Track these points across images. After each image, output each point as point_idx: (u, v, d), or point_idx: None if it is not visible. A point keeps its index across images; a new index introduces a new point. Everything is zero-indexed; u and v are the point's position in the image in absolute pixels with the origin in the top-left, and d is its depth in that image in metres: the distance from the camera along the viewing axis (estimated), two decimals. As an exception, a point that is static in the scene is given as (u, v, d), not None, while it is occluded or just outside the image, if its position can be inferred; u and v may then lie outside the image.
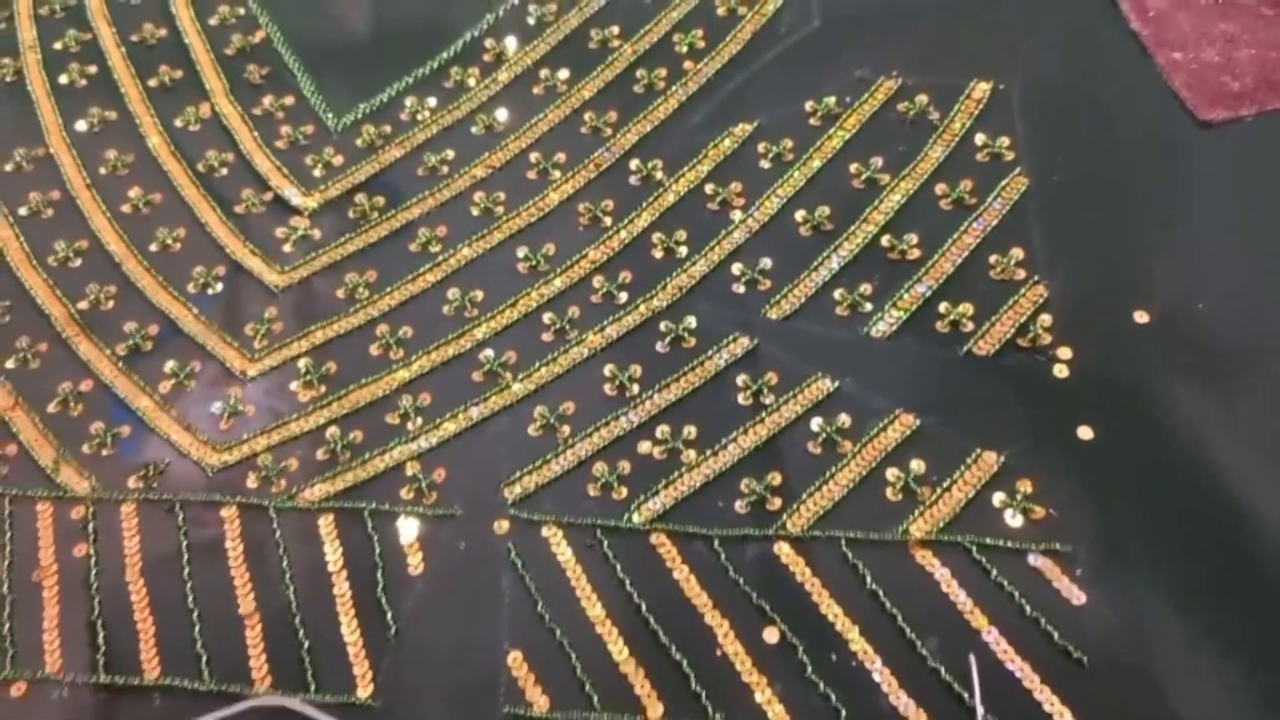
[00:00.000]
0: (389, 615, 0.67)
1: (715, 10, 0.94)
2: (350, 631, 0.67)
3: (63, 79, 0.97)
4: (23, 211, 0.88)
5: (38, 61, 0.98)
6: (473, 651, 0.66)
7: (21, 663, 0.68)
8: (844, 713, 0.62)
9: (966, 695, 0.61)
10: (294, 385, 0.77)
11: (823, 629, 0.64)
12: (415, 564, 0.69)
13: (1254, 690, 0.60)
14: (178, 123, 0.92)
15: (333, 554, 0.70)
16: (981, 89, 0.85)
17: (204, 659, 0.67)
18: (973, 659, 0.62)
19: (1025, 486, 0.67)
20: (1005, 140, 0.82)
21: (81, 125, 0.93)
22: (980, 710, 0.60)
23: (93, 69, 0.97)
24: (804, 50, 0.91)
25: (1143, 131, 0.82)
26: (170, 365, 0.79)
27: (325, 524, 0.71)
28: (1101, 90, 0.85)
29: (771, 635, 0.65)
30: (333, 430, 0.75)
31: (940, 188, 0.81)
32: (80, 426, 0.77)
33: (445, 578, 0.69)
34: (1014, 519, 0.67)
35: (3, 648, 0.68)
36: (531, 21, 0.96)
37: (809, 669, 0.63)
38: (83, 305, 0.82)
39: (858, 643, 0.64)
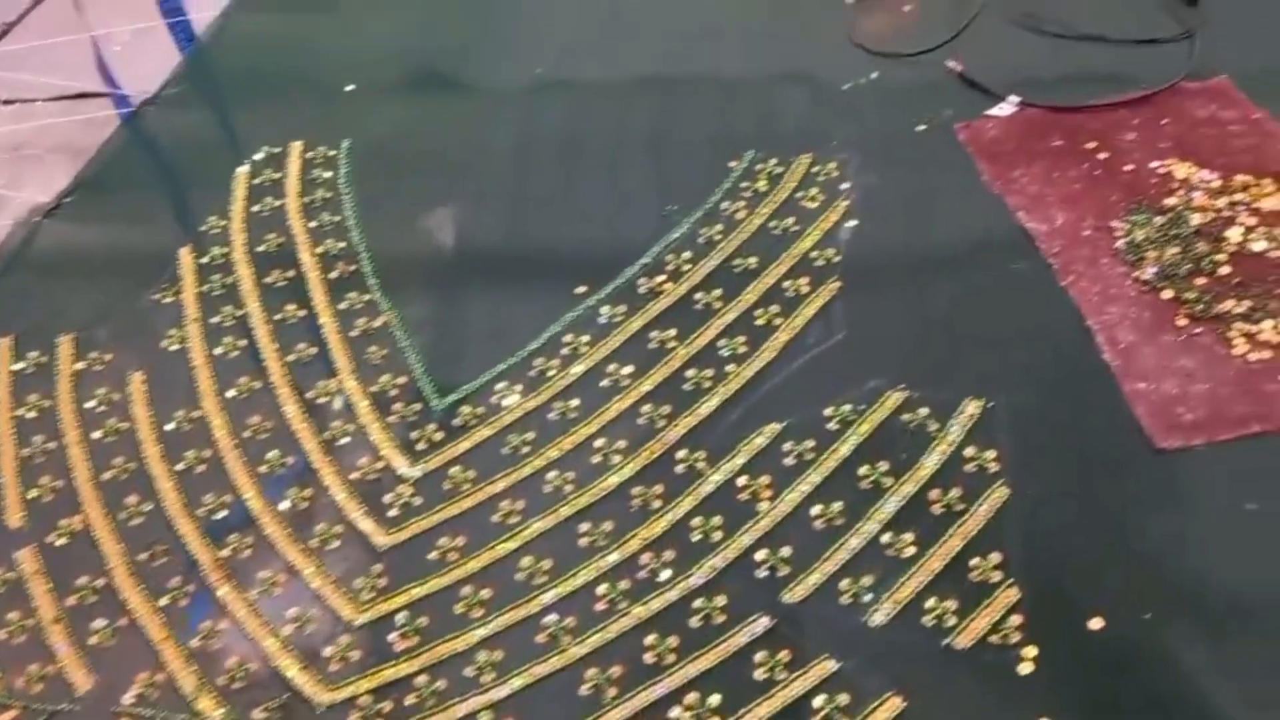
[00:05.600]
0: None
1: (755, 321, 1.13)
2: None
3: (218, 350, 1.18)
4: (179, 467, 1.08)
5: (200, 333, 1.20)
6: None
7: None
8: None
9: None
10: (392, 636, 0.94)
11: None
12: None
13: None
14: (309, 394, 1.13)
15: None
16: (974, 406, 1.02)
17: None
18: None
19: (990, 769, 0.81)
20: (991, 454, 0.98)
21: (231, 392, 1.14)
22: None
23: (243, 342, 1.18)
24: (828, 360, 1.09)
25: (1108, 453, 0.98)
26: (293, 611, 0.96)
27: (411, 760, 0.87)
28: (1075, 413, 1.01)
29: None
30: (422, 678, 0.91)
31: (934, 493, 0.97)
32: (217, 661, 0.94)
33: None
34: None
35: None
36: (602, 321, 1.15)
37: None
38: (224, 553, 1.01)
39: None
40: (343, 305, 1.21)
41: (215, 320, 1.21)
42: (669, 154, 1.38)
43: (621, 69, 1.51)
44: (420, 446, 1.07)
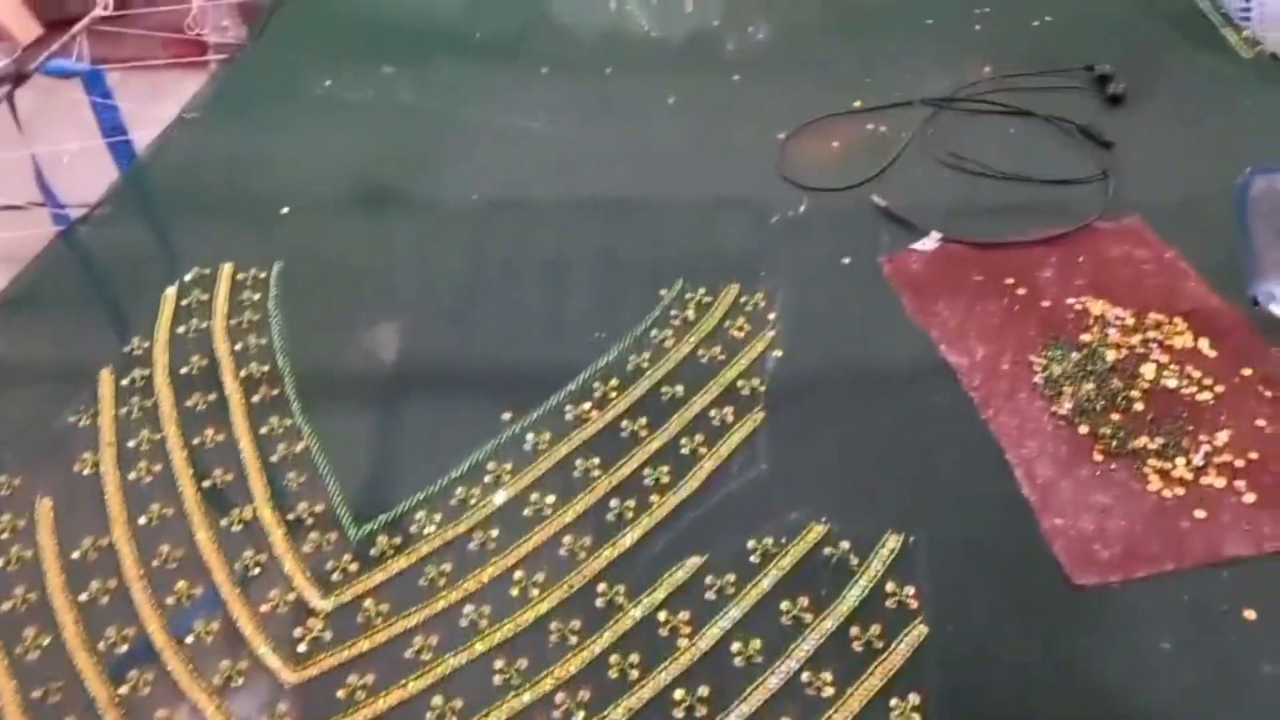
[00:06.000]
0: None
1: (680, 450, 1.13)
2: None
3: (132, 475, 1.15)
4: (83, 597, 1.04)
5: (114, 458, 1.17)
6: None
7: None
8: None
9: None
10: (293, 780, 0.90)
11: None
12: None
13: None
14: (224, 522, 1.10)
15: None
16: (895, 540, 1.02)
17: None
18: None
19: None
20: (910, 590, 0.98)
21: (143, 519, 1.11)
22: None
23: (159, 468, 1.16)
24: (751, 491, 1.09)
25: (1026, 589, 0.98)
26: (190, 753, 0.92)
27: None
28: (994, 548, 1.01)
29: None
30: (321, 827, 0.87)
31: (854, 630, 0.96)
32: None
33: None
34: None
35: None
36: (527, 449, 1.15)
37: None
38: (123, 690, 0.97)
39: None
40: (264, 430, 1.19)
41: (132, 444, 1.19)
42: (602, 279, 1.39)
43: (559, 192, 1.54)
44: (335, 578, 1.04)
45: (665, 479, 1.10)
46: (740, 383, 1.21)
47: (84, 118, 1.93)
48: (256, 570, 1.06)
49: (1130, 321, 1.21)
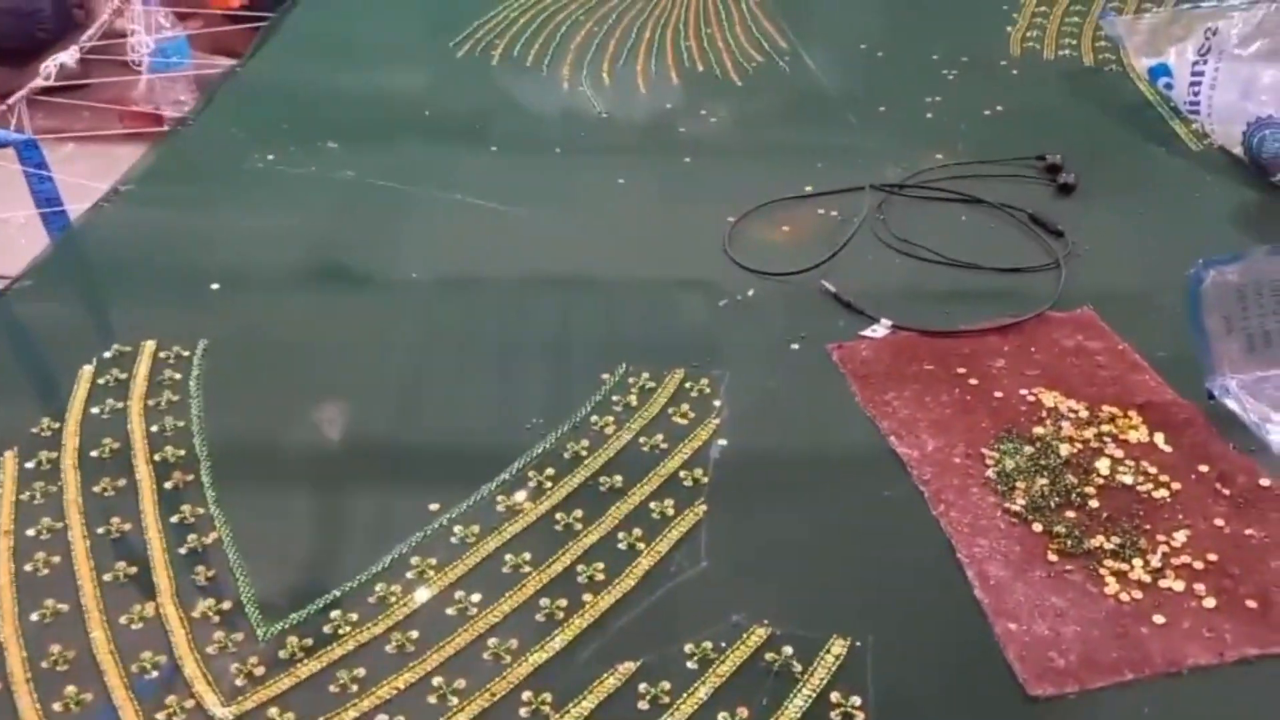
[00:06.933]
0: None
1: (617, 545, 1.07)
2: None
3: (28, 566, 1.07)
4: (-38, 702, 0.96)
5: (9, 547, 1.09)
6: None
7: None
8: None
9: None
10: None
11: None
12: None
13: None
14: (122, 620, 1.02)
15: None
16: (840, 645, 0.96)
17: None
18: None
19: None
20: (856, 700, 0.92)
21: (35, 616, 1.03)
22: None
23: (57, 559, 1.08)
24: (690, 591, 1.03)
25: (978, 699, 0.92)
26: None
27: None
28: (945, 655, 0.96)
29: None
30: None
31: (796, 745, 0.89)
32: None
33: None
34: None
35: None
36: (454, 542, 1.08)
37: None
38: (-5, 808, 0.88)
39: None
40: (174, 519, 1.12)
41: (31, 533, 1.11)
42: (544, 363, 1.34)
43: (503, 272, 1.50)
44: (239, 682, 0.96)
45: (600, 576, 1.04)
46: (682, 473, 1.15)
47: (23, 189, 1.89)
48: (154, 673, 0.97)
49: (1084, 414, 1.18)
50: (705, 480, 1.14)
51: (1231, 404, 1.17)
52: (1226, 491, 1.08)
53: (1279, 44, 1.69)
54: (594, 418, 1.23)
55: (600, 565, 1.05)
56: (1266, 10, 1.72)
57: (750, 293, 1.43)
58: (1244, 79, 1.69)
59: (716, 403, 1.24)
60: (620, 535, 1.08)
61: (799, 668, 0.95)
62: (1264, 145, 1.59)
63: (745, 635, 0.97)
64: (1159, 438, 1.15)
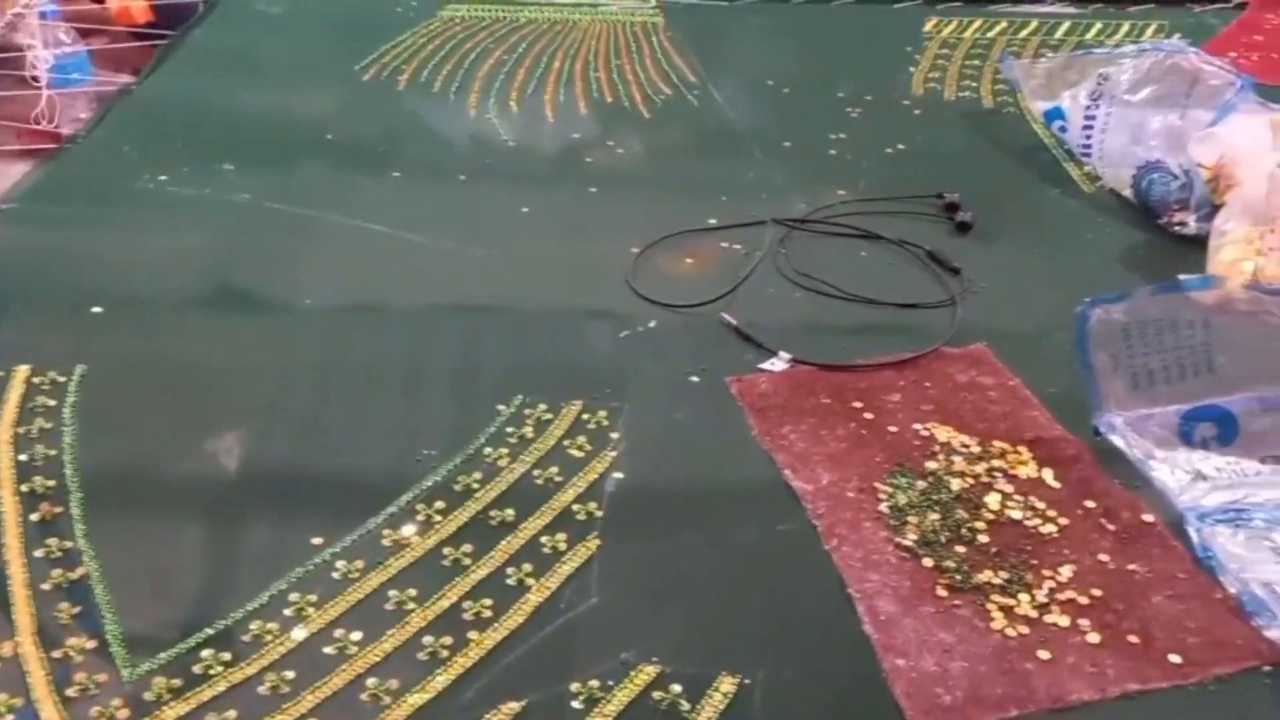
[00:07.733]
0: None
1: (506, 580, 1.04)
2: None
3: (-123, 607, 1.01)
4: None
5: None
6: None
7: None
8: None
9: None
10: None
11: None
12: None
13: None
14: (-23, 665, 0.96)
15: None
16: (729, 683, 0.94)
17: None
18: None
19: None
20: (745, 739, 0.90)
21: (-120, 658, 0.96)
22: None
23: (-91, 598, 1.02)
24: (579, 628, 1.00)
25: (867, 740, 0.91)
26: None
27: None
28: (834, 692, 0.95)
29: None
30: None
31: (682, 786, 0.87)
32: None
33: None
34: None
35: None
36: (336, 578, 1.04)
37: None
38: None
39: None
40: (39, 553, 1.06)
41: (-118, 568, 1.04)
42: (438, 392, 1.31)
43: (401, 299, 1.47)
44: (100, 727, 0.91)
45: (487, 613, 1.01)
46: (576, 506, 1.13)
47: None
48: (9, 717, 0.92)
49: (976, 449, 1.19)
50: (599, 514, 1.12)
51: (1117, 440, 1.19)
52: (1111, 527, 1.10)
53: (1167, 91, 1.75)
54: (488, 449, 1.21)
55: (488, 601, 1.02)
56: (1155, 59, 1.78)
57: (652, 324, 1.42)
58: (1134, 124, 1.75)
59: (614, 435, 1.23)
60: (510, 570, 1.06)
61: (686, 706, 0.93)
62: (1152, 188, 1.64)
63: (634, 673, 0.95)
64: (1047, 473, 1.16)
